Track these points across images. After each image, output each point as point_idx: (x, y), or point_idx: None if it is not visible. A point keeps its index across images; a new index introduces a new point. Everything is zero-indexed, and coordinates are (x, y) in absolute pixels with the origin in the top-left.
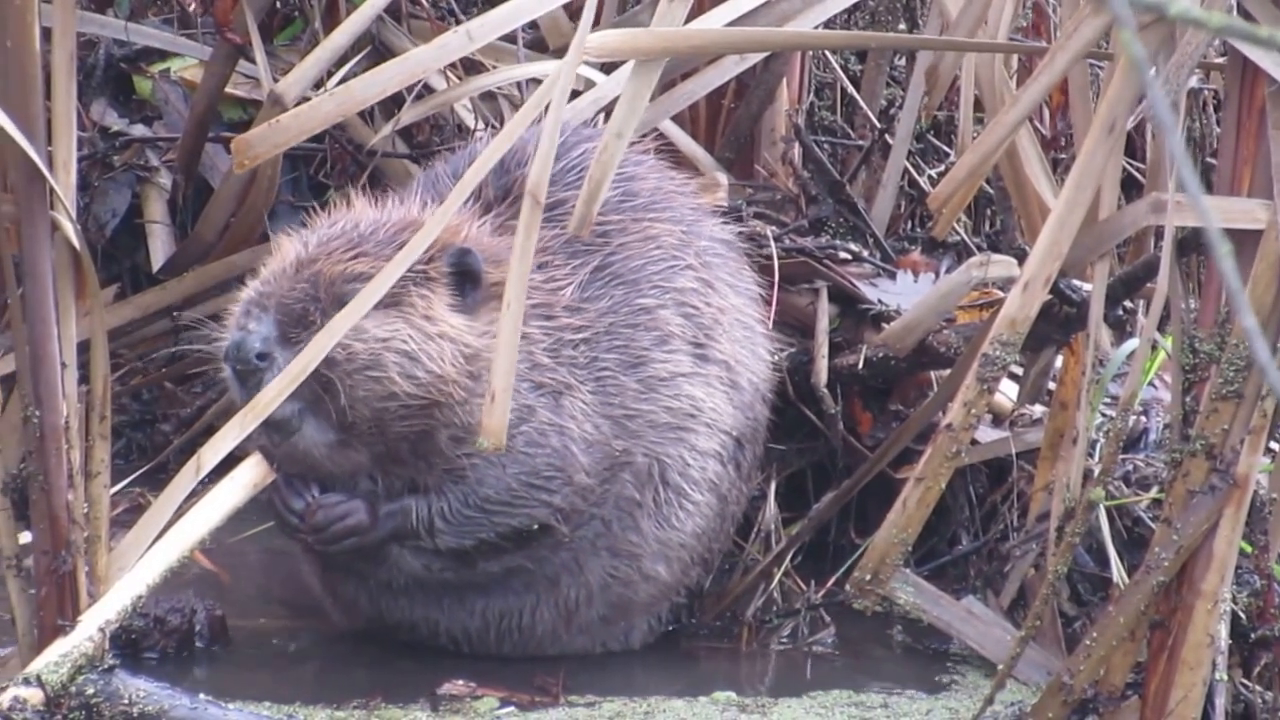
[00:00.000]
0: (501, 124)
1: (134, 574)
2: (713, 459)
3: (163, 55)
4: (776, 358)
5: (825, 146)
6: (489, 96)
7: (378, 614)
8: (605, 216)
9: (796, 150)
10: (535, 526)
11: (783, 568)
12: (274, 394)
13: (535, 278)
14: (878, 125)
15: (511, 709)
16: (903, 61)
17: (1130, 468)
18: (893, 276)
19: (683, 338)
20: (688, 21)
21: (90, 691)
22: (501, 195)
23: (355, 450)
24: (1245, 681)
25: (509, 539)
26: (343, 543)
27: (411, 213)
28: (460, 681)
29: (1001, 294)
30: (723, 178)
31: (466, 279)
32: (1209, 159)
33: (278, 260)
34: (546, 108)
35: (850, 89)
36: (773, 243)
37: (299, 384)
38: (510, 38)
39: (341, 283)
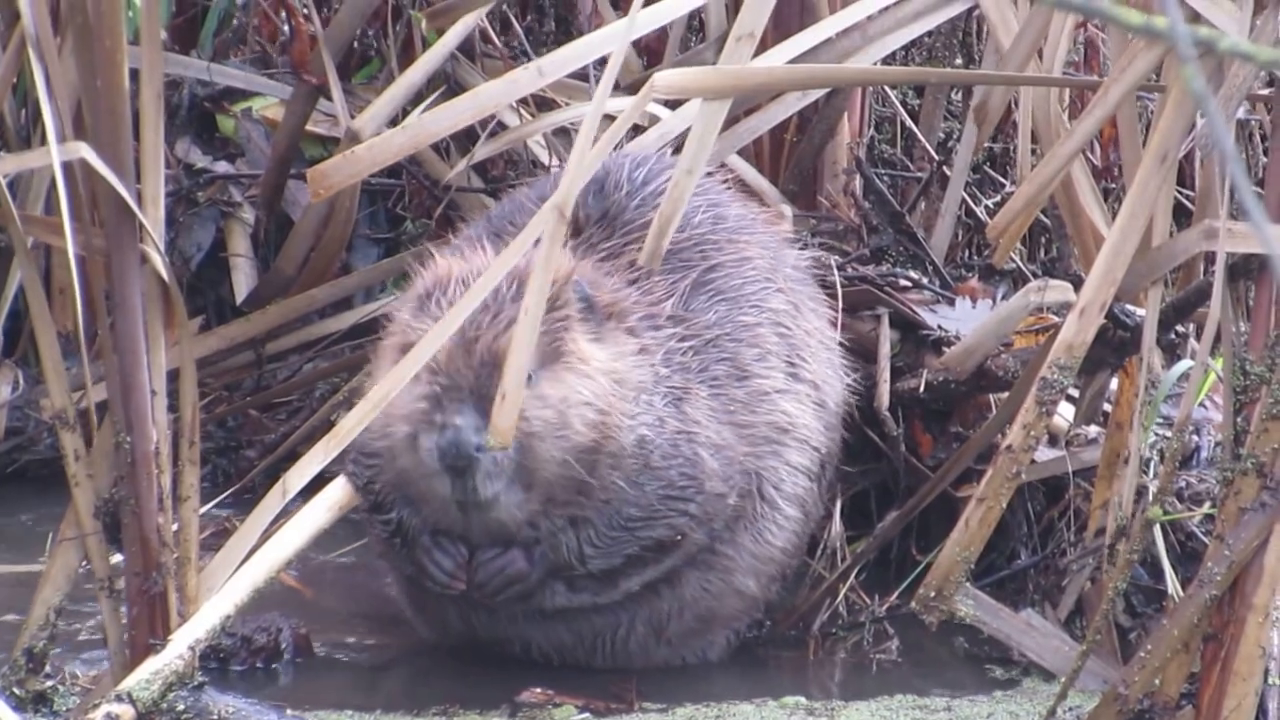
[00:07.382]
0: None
1: (222, 594)
2: (803, 474)
3: (244, 94)
4: (851, 380)
5: (885, 178)
6: (561, 132)
7: (469, 630)
8: (702, 236)
9: (858, 182)
10: (677, 536)
11: (848, 583)
12: (362, 415)
13: (632, 292)
14: (936, 157)
15: (588, 716)
16: (960, 96)
17: (1183, 484)
18: (952, 303)
19: (778, 355)
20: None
21: (180, 708)
22: (597, 216)
23: (534, 503)
24: None
25: (652, 550)
26: (506, 591)
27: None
28: (539, 689)
29: (1057, 319)
30: (787, 209)
31: (589, 308)
32: (1256, 188)
33: (445, 349)
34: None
35: (909, 123)
36: (836, 271)
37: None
38: (582, 75)
39: None
